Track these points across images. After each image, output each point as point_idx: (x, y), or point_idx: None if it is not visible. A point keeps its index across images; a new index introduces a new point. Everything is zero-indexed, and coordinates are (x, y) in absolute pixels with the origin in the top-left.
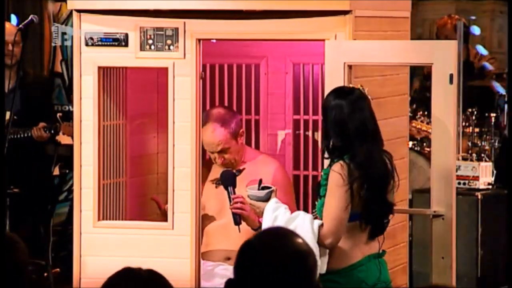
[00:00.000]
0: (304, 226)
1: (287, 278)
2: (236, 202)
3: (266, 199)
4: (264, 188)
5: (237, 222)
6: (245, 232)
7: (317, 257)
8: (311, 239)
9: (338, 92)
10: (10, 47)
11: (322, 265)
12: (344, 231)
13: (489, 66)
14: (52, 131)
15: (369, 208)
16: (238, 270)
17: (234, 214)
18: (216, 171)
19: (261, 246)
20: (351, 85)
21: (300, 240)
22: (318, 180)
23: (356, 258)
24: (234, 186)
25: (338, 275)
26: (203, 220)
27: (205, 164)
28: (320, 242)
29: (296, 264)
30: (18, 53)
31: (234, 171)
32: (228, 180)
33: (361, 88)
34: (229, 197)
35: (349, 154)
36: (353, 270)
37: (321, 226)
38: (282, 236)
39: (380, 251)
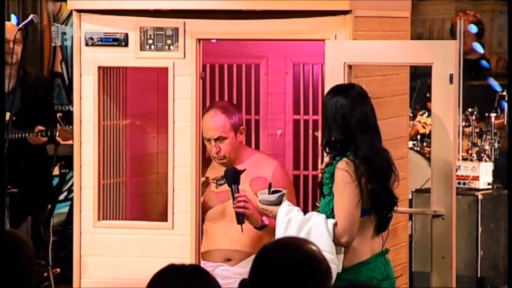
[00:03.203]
0: (319, 227)
1: (300, 284)
2: (240, 201)
3: (278, 202)
4: (274, 192)
5: (240, 221)
6: (247, 232)
7: (334, 256)
8: (327, 238)
9: (338, 89)
10: (11, 44)
11: (338, 264)
12: (357, 228)
13: (486, 65)
14: (49, 134)
15: (378, 199)
16: (253, 273)
17: (237, 213)
18: (214, 169)
19: (276, 251)
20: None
21: (314, 247)
22: (320, 180)
23: (365, 256)
24: (237, 184)
25: (347, 273)
26: (204, 220)
27: (204, 162)
28: (336, 241)
29: (310, 270)
30: (18, 52)
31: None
32: (232, 178)
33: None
34: (233, 195)
35: (351, 150)
36: (362, 267)
37: (335, 225)
38: (297, 243)
39: (384, 249)
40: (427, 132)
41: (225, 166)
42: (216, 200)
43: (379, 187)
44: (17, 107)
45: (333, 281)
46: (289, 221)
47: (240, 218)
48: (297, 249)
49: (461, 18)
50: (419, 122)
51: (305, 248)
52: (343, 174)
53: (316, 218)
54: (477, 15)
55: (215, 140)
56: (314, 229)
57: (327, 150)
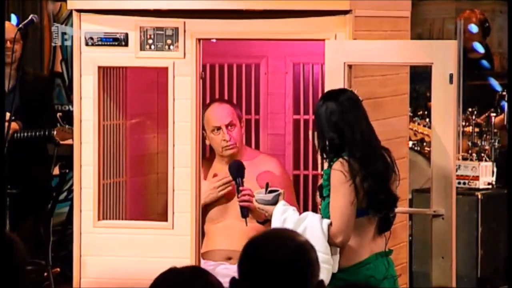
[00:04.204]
0: (314, 226)
1: (289, 273)
2: (244, 195)
3: (274, 202)
4: (271, 191)
5: (244, 215)
6: (248, 232)
7: (328, 256)
8: (322, 238)
9: (328, 95)
10: (9, 44)
11: (334, 264)
12: (352, 228)
13: (486, 64)
14: (47, 134)
15: (376, 199)
16: (242, 268)
17: (241, 207)
18: (216, 168)
19: (263, 242)
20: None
21: (302, 238)
22: (320, 182)
23: (364, 256)
24: (242, 177)
25: (346, 273)
26: (204, 221)
27: (205, 162)
28: (330, 241)
29: (299, 259)
30: (18, 50)
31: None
32: (236, 171)
33: (353, 90)
34: (237, 189)
35: (347, 151)
36: (361, 268)
37: (330, 225)
38: (284, 234)
39: (387, 249)
40: (419, 139)
41: (231, 160)
42: (218, 201)
43: (377, 187)
44: (16, 107)
45: (328, 281)
46: (285, 221)
47: (245, 211)
48: (288, 241)
49: (468, 16)
50: (411, 129)
51: (296, 239)
52: (338, 174)
53: (311, 218)
54: (484, 14)
55: (227, 126)
56: (309, 229)
57: (324, 155)
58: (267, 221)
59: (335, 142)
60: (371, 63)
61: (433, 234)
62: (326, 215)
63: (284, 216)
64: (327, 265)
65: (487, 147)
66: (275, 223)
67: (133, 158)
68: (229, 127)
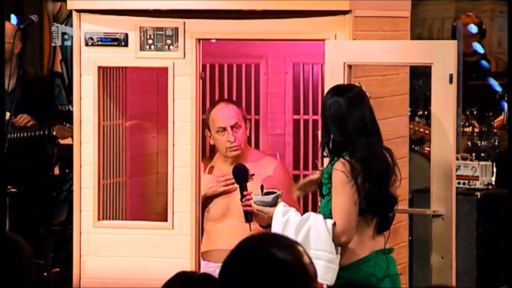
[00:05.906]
0: (318, 226)
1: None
2: (248, 199)
3: (273, 203)
4: (268, 193)
5: (248, 220)
6: (249, 232)
7: (334, 255)
8: (327, 238)
9: (336, 89)
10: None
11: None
12: (355, 227)
13: (486, 65)
14: (47, 133)
15: (373, 203)
16: (224, 274)
17: (245, 211)
18: (219, 168)
19: (246, 252)
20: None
21: (290, 250)
22: (320, 180)
23: (364, 254)
24: (246, 181)
25: (345, 271)
26: (205, 219)
27: (205, 160)
28: (334, 241)
29: (280, 274)
30: (9, 49)
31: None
32: (241, 175)
33: (359, 85)
34: (241, 193)
35: (348, 151)
36: (361, 265)
37: (334, 225)
38: (270, 243)
39: (387, 247)
40: (417, 138)
41: (235, 160)
42: (221, 200)
43: (375, 190)
44: (17, 106)
45: (334, 281)
46: (287, 222)
47: (249, 216)
48: (269, 252)
49: (462, 19)
50: (411, 127)
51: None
52: (340, 175)
53: (315, 218)
54: (479, 17)
55: (232, 127)
56: (313, 230)
57: (326, 152)
58: (270, 225)
59: (338, 138)
60: (371, 63)
61: (433, 234)
62: (325, 213)
63: (286, 217)
64: (333, 265)
65: (487, 147)
66: (277, 225)
67: (133, 158)
68: (234, 128)
